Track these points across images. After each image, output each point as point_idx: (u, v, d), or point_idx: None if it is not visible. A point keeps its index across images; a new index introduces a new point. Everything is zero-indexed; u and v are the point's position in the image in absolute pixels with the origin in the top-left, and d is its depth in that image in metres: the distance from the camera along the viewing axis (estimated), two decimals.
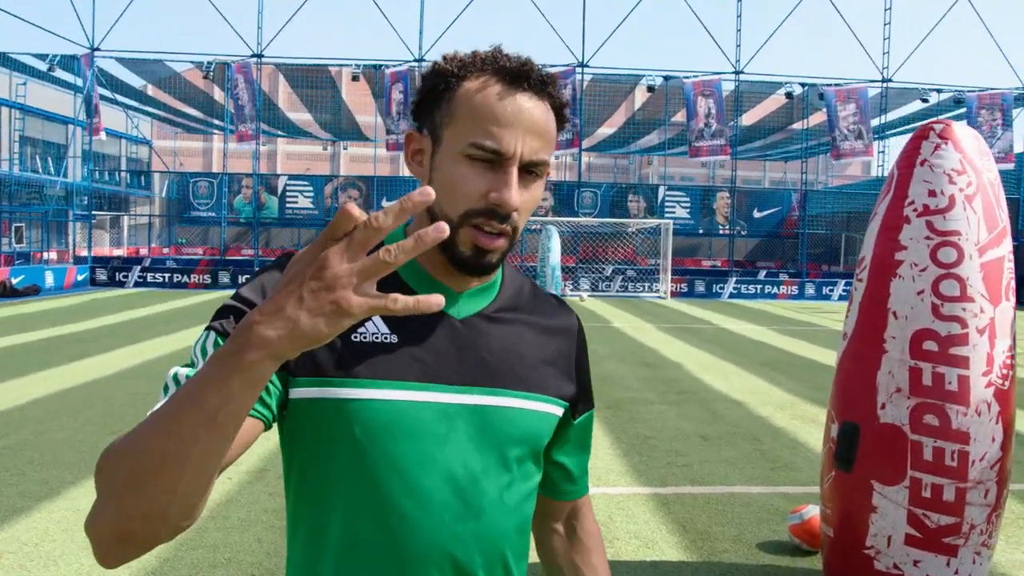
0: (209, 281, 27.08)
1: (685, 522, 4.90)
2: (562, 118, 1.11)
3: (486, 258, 1.08)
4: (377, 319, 1.09)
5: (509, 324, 1.17)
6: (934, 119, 3.75)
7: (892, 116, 30.58)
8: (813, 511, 4.38)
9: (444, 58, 1.10)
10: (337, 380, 1.06)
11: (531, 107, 1.06)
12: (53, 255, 31.32)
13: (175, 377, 0.99)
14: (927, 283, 3.40)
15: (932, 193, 3.45)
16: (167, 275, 27.09)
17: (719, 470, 6.05)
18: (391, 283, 1.11)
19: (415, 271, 1.14)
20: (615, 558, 4.31)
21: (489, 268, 1.09)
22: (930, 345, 3.38)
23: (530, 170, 1.07)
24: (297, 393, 1.06)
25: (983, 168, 3.55)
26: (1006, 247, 3.50)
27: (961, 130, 3.61)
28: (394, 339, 1.09)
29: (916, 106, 29.84)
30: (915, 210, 3.47)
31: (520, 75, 1.06)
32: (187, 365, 1.03)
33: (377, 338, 1.08)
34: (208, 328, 1.04)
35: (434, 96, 1.09)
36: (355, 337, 1.08)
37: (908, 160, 3.60)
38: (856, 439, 3.57)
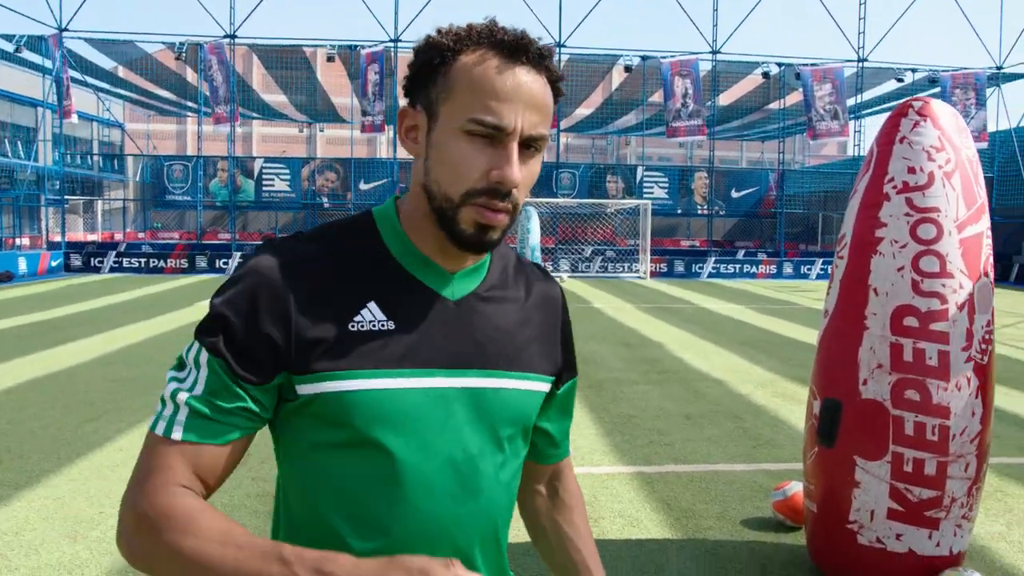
0: (186, 265, 26.83)
1: (669, 500, 4.93)
2: (558, 91, 1.10)
3: (488, 235, 1.07)
4: (373, 305, 1.08)
5: (499, 303, 1.17)
6: (910, 97, 3.76)
7: (868, 96, 30.76)
8: (796, 487, 4.42)
9: (439, 31, 1.07)
10: (341, 373, 1.05)
11: (530, 81, 1.04)
12: (26, 241, 30.90)
13: (174, 396, 1.03)
14: (907, 259, 3.43)
15: (911, 170, 3.47)
16: (143, 260, 26.81)
17: (702, 448, 6.09)
18: (387, 263, 1.11)
19: (409, 250, 1.12)
20: (600, 536, 4.33)
21: (491, 245, 1.08)
22: (911, 321, 3.41)
23: (529, 144, 1.05)
24: (302, 389, 1.05)
25: (961, 145, 3.58)
26: (984, 223, 3.53)
27: (940, 107, 3.63)
28: (391, 326, 1.08)
29: (891, 86, 30.02)
30: (895, 187, 3.49)
31: (519, 48, 1.04)
32: (178, 368, 1.06)
33: (375, 326, 1.07)
34: (200, 342, 1.04)
35: (428, 71, 1.06)
36: (352, 327, 1.06)
37: (887, 137, 3.62)
38: (838, 415, 3.60)
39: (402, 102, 1.15)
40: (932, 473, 3.40)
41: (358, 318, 1.07)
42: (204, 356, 1.02)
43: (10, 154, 33.85)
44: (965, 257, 3.44)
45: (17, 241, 29.58)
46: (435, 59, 1.06)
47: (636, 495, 5.02)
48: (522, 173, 1.05)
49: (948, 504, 3.43)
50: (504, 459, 1.15)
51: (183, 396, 1.02)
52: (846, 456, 3.55)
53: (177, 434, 1.01)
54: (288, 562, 0.89)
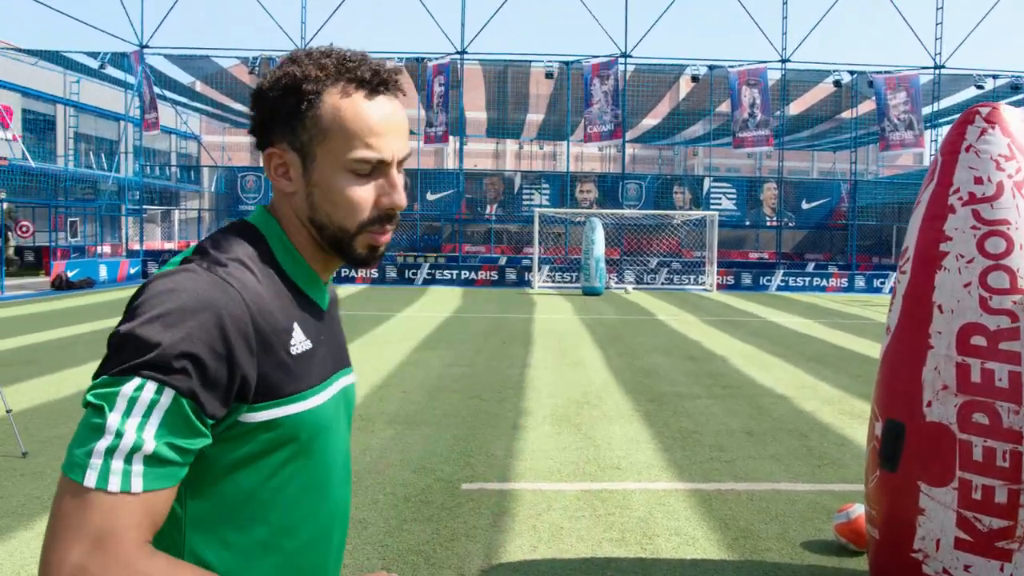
0: None
1: (727, 519, 4.81)
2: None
3: (379, 252, 1.18)
4: (297, 327, 1.12)
5: (333, 304, 1.30)
6: (982, 103, 3.60)
7: (945, 104, 29.78)
8: (860, 510, 4.26)
9: (289, 74, 1.10)
10: (294, 397, 1.10)
11: (393, 110, 1.14)
12: (107, 249, 32.03)
13: (116, 444, 0.92)
14: (974, 275, 3.27)
15: (978, 180, 3.31)
16: None
17: (764, 466, 5.94)
18: (290, 284, 1.15)
19: (303, 270, 1.18)
20: (655, 555, 4.25)
21: (379, 259, 1.20)
22: (978, 340, 3.25)
23: (399, 165, 1.16)
24: (255, 416, 1.06)
25: None
26: None
27: (1009, 113, 3.46)
28: (309, 344, 1.14)
29: (971, 93, 28.97)
30: (960, 199, 3.34)
31: (378, 81, 1.12)
32: (102, 411, 0.93)
33: (304, 347, 1.13)
34: (157, 380, 0.94)
35: (289, 112, 1.11)
36: (292, 351, 1.11)
37: (952, 146, 3.46)
38: (902, 438, 3.46)
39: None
40: (1003, 501, 3.23)
41: (293, 341, 1.11)
42: (166, 396, 0.94)
43: (94, 166, 35.23)
44: None
45: (98, 249, 30.69)
46: (296, 102, 1.10)
47: (693, 513, 4.91)
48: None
49: (1022, 535, 3.26)
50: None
51: (129, 441, 0.92)
52: (910, 481, 3.40)
53: (137, 486, 0.92)
54: None
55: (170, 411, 0.95)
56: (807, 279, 28.04)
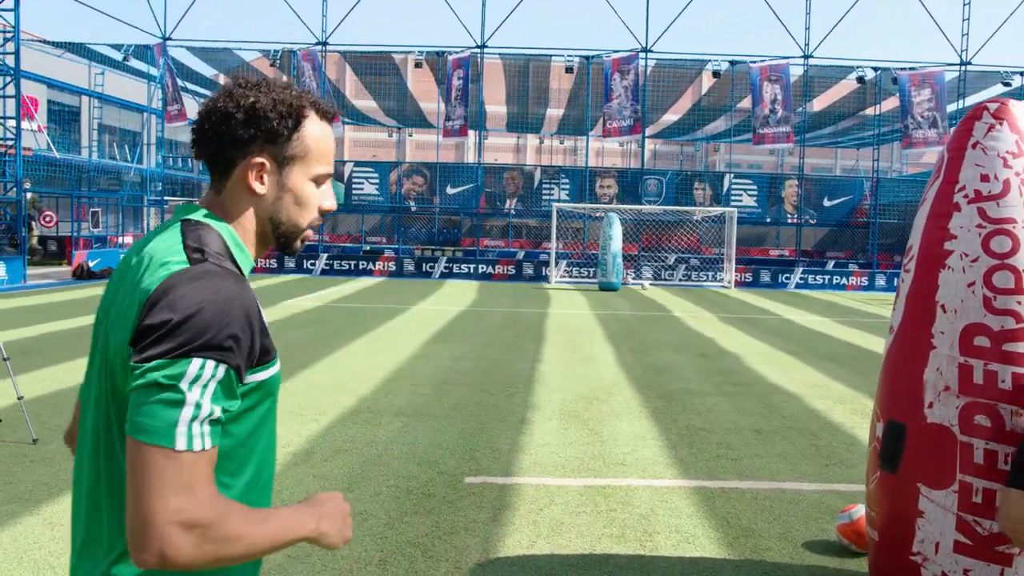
0: (275, 265, 27.64)
1: (729, 518, 4.77)
2: None
3: (304, 244, 1.50)
4: (261, 307, 1.36)
5: None
6: (992, 98, 3.52)
7: (971, 101, 29.32)
8: (862, 511, 4.21)
9: (284, 101, 1.38)
10: (272, 363, 1.35)
11: (331, 134, 1.48)
12: (128, 239, 32.33)
13: (196, 413, 1.19)
14: (979, 274, 3.21)
15: (985, 178, 3.25)
16: None
17: (770, 465, 5.89)
18: (242, 271, 1.40)
19: (248, 260, 1.42)
20: (654, 552, 4.23)
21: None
22: (982, 341, 3.19)
23: None
24: (253, 378, 1.31)
25: None
26: None
27: (1019, 109, 3.38)
28: (267, 319, 1.37)
29: (998, 90, 28.51)
30: (966, 196, 3.27)
31: (330, 113, 1.46)
32: (176, 384, 1.18)
33: (266, 321, 1.36)
34: (214, 358, 1.21)
35: (278, 130, 1.38)
36: (265, 325, 1.34)
37: (959, 142, 3.39)
38: (902, 439, 3.41)
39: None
40: None
41: (264, 318, 1.34)
42: (220, 370, 1.20)
43: (118, 157, 35.55)
44: None
45: (120, 239, 30.98)
46: (294, 124, 1.39)
47: (695, 511, 4.88)
48: None
49: None
50: None
51: (201, 411, 1.18)
52: (909, 483, 3.35)
53: (208, 443, 1.19)
54: (308, 512, 1.31)
55: (222, 382, 1.21)
56: (827, 277, 27.80)
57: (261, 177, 1.38)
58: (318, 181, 1.43)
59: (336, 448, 6.00)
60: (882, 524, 3.53)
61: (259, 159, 1.37)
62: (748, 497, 5.17)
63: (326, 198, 1.46)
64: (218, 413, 1.20)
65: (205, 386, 1.18)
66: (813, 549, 4.34)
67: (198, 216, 1.37)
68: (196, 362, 1.17)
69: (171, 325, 1.18)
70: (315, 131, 1.41)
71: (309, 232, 1.47)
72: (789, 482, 5.51)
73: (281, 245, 1.45)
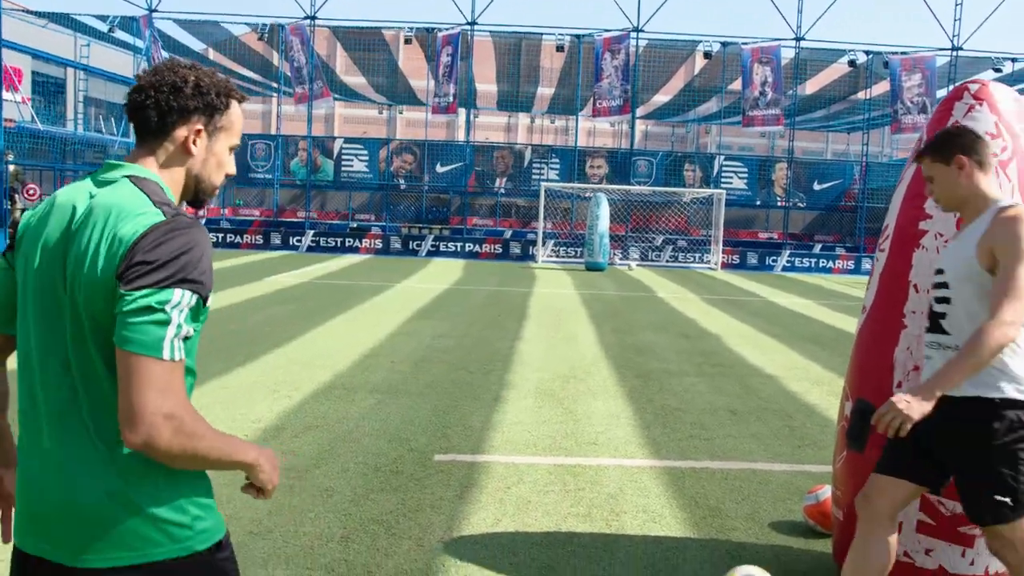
0: (261, 242, 27.47)
1: (697, 497, 4.74)
2: None
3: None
4: None
5: None
6: (971, 79, 3.47)
7: None
8: (829, 492, 4.18)
9: (220, 82, 1.70)
10: (211, 291, 1.59)
11: (242, 114, 1.80)
12: None
13: (177, 332, 1.47)
14: None
15: None
16: (221, 235, 27.53)
17: (743, 445, 5.86)
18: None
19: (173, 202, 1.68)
20: (619, 531, 4.19)
21: None
22: None
23: None
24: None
25: (1022, 132, 3.29)
26: None
27: (999, 91, 3.35)
28: None
29: (989, 76, 28.46)
30: None
31: (244, 98, 1.78)
32: (161, 308, 1.46)
33: None
34: (192, 290, 1.49)
35: (215, 106, 1.69)
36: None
37: (938, 123, 3.36)
38: (869, 419, 3.36)
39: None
40: None
41: None
42: (194, 299, 1.49)
43: (104, 130, 35.17)
44: None
45: None
46: (226, 101, 1.71)
47: (664, 490, 4.84)
48: None
49: None
50: None
51: (181, 330, 1.47)
52: (875, 463, 3.30)
53: (182, 355, 1.48)
54: (250, 444, 1.65)
55: (193, 308, 1.50)
56: (813, 260, 27.84)
57: (195, 141, 1.69)
58: (231, 150, 1.77)
59: (307, 424, 5.94)
60: (847, 504, 3.49)
61: (198, 126, 1.68)
62: (718, 477, 5.14)
63: (231, 165, 1.80)
64: (191, 332, 1.50)
65: (183, 311, 1.47)
66: (779, 530, 4.31)
67: (136, 172, 1.63)
68: (178, 291, 1.46)
69: (159, 263, 1.46)
70: (237, 110, 1.76)
71: (216, 191, 1.81)
72: (761, 463, 5.48)
73: (197, 200, 1.76)
